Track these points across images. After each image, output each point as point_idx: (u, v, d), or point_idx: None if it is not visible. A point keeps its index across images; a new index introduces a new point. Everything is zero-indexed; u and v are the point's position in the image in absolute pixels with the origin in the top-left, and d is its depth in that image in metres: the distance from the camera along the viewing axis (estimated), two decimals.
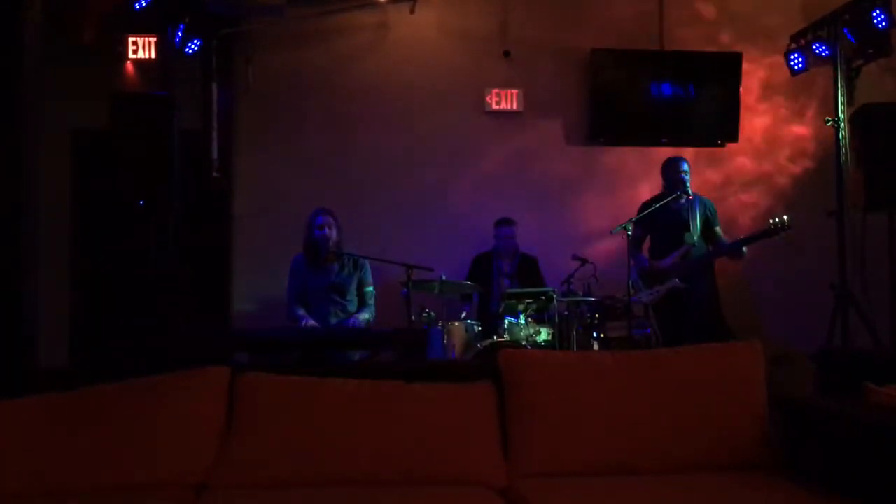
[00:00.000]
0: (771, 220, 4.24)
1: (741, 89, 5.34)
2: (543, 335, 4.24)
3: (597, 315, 4.34)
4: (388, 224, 5.09)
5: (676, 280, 4.41)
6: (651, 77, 5.28)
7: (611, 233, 4.44)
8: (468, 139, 5.27)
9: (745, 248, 4.41)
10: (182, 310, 4.50)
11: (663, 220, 4.51)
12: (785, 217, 4.19)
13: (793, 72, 5.09)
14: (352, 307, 4.32)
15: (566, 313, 4.36)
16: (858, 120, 4.47)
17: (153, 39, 4.76)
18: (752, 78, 5.44)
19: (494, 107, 5.28)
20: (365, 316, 4.27)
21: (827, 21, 4.75)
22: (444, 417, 2.26)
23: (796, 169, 5.52)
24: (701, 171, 5.31)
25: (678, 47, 5.36)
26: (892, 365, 2.59)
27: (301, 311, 4.27)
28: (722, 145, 5.44)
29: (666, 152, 4.93)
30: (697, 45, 5.38)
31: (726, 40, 5.43)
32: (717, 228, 4.61)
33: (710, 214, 4.62)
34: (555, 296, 4.31)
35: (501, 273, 4.80)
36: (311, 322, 4.17)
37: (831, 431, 2.11)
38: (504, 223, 4.80)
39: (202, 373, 2.33)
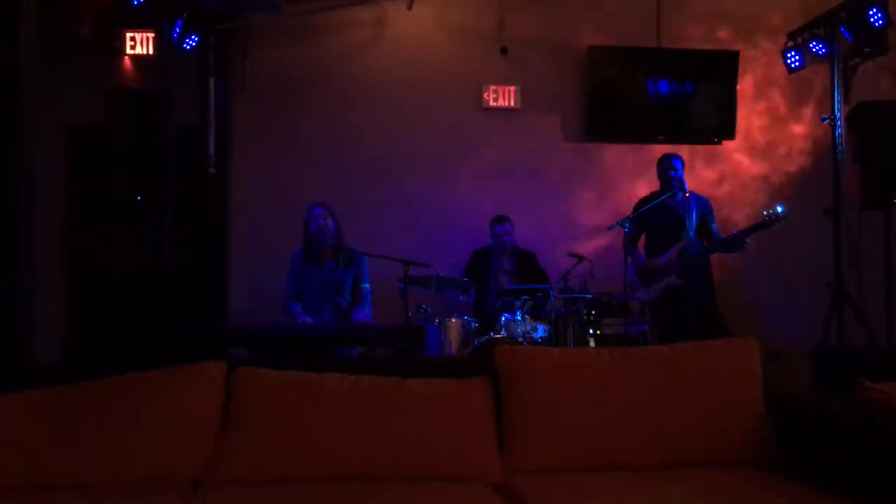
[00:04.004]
0: (764, 213, 4.23)
1: (738, 87, 5.35)
2: (540, 332, 4.25)
3: (593, 312, 4.34)
4: (385, 220, 5.08)
5: (673, 277, 4.42)
6: (648, 74, 5.28)
7: (607, 230, 4.45)
8: (465, 135, 5.26)
9: (747, 240, 4.32)
10: (179, 305, 4.49)
11: (659, 217, 4.51)
12: (778, 208, 4.17)
13: (790, 70, 5.09)
14: (346, 304, 4.31)
15: (563, 310, 4.36)
16: (855, 118, 4.49)
17: (150, 35, 4.75)
18: (749, 76, 5.44)
19: (492, 103, 5.28)
20: (364, 313, 4.27)
21: (824, 19, 4.75)
22: (440, 413, 2.26)
23: (793, 167, 5.52)
24: (697, 169, 5.32)
25: (675, 45, 5.36)
26: (886, 362, 2.60)
27: (298, 308, 4.27)
28: (718, 143, 5.44)
29: (662, 149, 4.93)
30: (695, 43, 5.38)
31: (723, 38, 5.43)
32: (714, 226, 4.61)
33: (706, 212, 4.63)
34: (551, 292, 4.31)
35: (502, 270, 4.80)
36: (308, 320, 4.17)
37: (826, 428, 2.12)
38: (499, 221, 4.79)
39: (198, 368, 2.33)
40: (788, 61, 5.06)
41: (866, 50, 4.93)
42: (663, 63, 5.32)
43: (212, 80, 4.93)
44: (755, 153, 5.52)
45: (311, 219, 4.25)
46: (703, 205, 4.64)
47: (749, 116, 5.47)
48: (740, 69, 5.32)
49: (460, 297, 4.66)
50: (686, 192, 4.56)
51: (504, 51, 5.26)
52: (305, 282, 4.31)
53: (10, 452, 2.12)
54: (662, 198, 4.48)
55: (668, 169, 4.53)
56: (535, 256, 4.85)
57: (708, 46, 5.37)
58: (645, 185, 5.11)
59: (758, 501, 1.97)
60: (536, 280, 4.62)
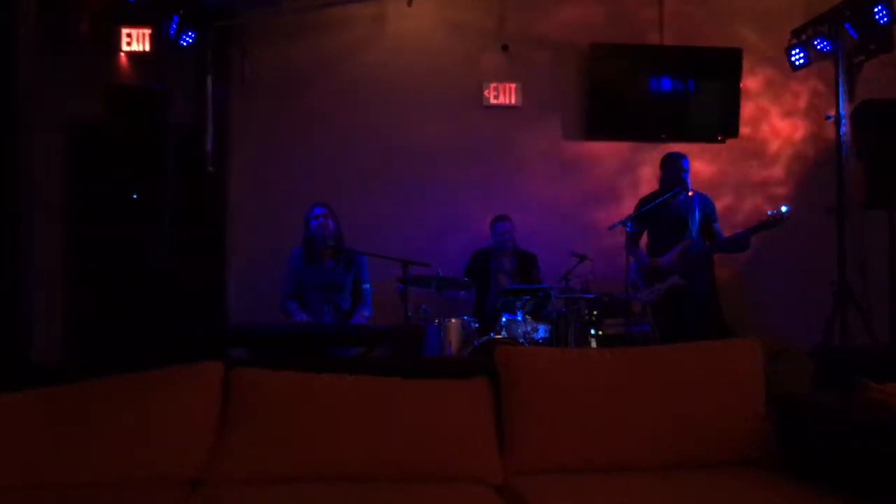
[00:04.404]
0: (769, 212, 4.23)
1: (741, 85, 5.32)
2: (541, 332, 4.23)
3: (594, 312, 4.32)
4: (385, 219, 5.07)
5: (677, 277, 4.40)
6: (650, 72, 5.25)
7: (609, 229, 4.43)
8: (466, 133, 5.24)
9: (751, 240, 4.34)
10: (177, 304, 4.49)
11: (662, 216, 4.49)
12: (783, 208, 4.17)
13: (794, 67, 5.07)
14: (346, 305, 4.31)
15: (564, 310, 4.35)
16: (859, 116, 4.47)
17: (147, 31, 4.73)
18: (753, 73, 5.42)
19: (492, 101, 5.26)
20: (364, 313, 4.27)
21: (828, 16, 4.73)
22: (440, 414, 2.26)
23: (796, 165, 5.50)
24: (700, 167, 5.29)
25: (678, 42, 5.33)
26: (889, 362, 2.58)
27: (294, 306, 4.26)
28: (721, 141, 5.42)
29: (665, 148, 4.91)
30: (697, 40, 5.36)
31: (726, 35, 5.40)
32: (716, 225, 4.60)
33: (708, 211, 4.61)
34: (552, 293, 4.29)
35: (502, 271, 4.78)
36: (303, 318, 4.16)
37: (828, 428, 2.11)
38: (499, 219, 4.79)
39: (197, 368, 2.32)
40: (793, 59, 5.03)
41: (871, 47, 4.90)
42: (665, 60, 5.30)
43: (209, 77, 4.91)
44: (758, 151, 5.49)
45: (312, 217, 4.25)
46: (705, 204, 4.62)
47: (752, 114, 5.45)
48: (744, 66, 5.30)
49: (461, 293, 4.64)
50: (689, 192, 4.54)
51: (505, 48, 5.25)
52: (305, 281, 4.30)
53: (9, 452, 2.11)
54: (665, 196, 4.46)
55: (675, 169, 4.50)
56: (536, 259, 4.83)
57: (711, 43, 5.35)
58: (647, 184, 5.09)
59: (758, 502, 1.96)
60: (533, 284, 4.61)
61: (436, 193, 5.20)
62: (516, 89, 5.25)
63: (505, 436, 2.27)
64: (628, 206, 4.79)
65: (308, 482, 2.09)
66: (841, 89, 4.65)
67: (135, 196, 3.82)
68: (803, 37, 4.96)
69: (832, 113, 4.67)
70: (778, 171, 5.50)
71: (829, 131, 4.92)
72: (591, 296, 4.34)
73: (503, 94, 5.26)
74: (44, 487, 2.05)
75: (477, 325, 4.29)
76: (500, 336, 4.15)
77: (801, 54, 4.98)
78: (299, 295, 4.30)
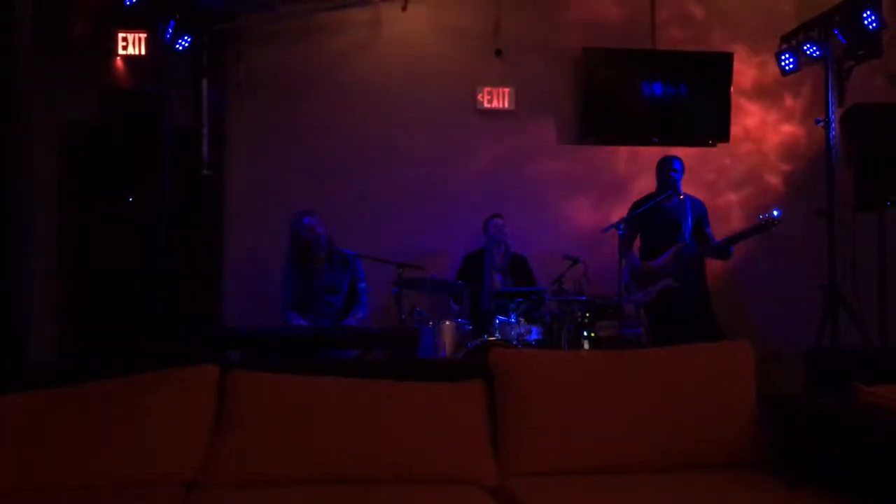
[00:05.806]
0: (760, 216, 4.26)
1: (732, 89, 5.36)
2: (534, 334, 4.25)
3: (587, 314, 4.34)
4: (379, 222, 5.08)
5: (669, 280, 4.42)
6: (643, 76, 5.29)
7: (602, 232, 4.46)
8: (460, 137, 5.26)
9: (731, 249, 4.43)
10: (173, 307, 4.48)
11: (655, 219, 4.52)
12: (774, 212, 4.21)
13: (784, 72, 5.11)
14: (342, 306, 4.31)
15: (557, 312, 4.36)
16: (849, 120, 4.50)
17: (143, 35, 4.73)
18: (743, 78, 5.46)
19: (486, 105, 5.28)
20: (359, 315, 4.27)
21: (818, 22, 4.76)
22: (434, 416, 2.26)
23: (787, 169, 5.54)
24: (692, 171, 5.32)
25: (670, 47, 5.37)
26: (880, 364, 2.61)
27: (294, 318, 4.25)
28: (713, 145, 5.45)
29: (657, 152, 4.94)
30: (689, 45, 5.39)
31: (718, 40, 5.45)
32: (708, 229, 4.63)
33: (701, 215, 4.64)
34: (546, 295, 4.31)
35: (493, 267, 4.79)
36: (302, 324, 4.17)
37: (821, 430, 2.12)
38: (493, 217, 4.83)
39: (193, 371, 2.32)
40: (782, 63, 5.07)
41: (860, 52, 4.93)
42: (658, 65, 5.33)
43: (205, 81, 4.92)
44: (749, 155, 5.53)
45: (305, 228, 4.23)
46: (698, 208, 4.65)
47: (743, 119, 5.49)
48: (734, 71, 5.34)
49: (453, 306, 4.66)
50: (681, 195, 4.57)
51: (499, 52, 5.26)
52: (302, 288, 4.29)
53: (4, 454, 2.10)
54: (658, 199, 4.49)
55: (670, 171, 4.54)
56: (528, 261, 4.84)
57: (702, 49, 5.38)
58: (640, 187, 5.11)
59: (751, 503, 1.97)
60: (527, 285, 4.62)
61: (430, 197, 5.21)
62: (510, 93, 5.27)
63: (499, 438, 2.28)
64: (622, 210, 4.82)
65: (303, 485, 2.09)
66: (830, 94, 4.69)
67: (130, 199, 3.81)
68: (793, 42, 5.00)
69: (822, 117, 4.71)
70: (768, 175, 5.54)
71: (819, 135, 4.96)
72: (584, 298, 4.36)
73: (497, 99, 5.28)
74: (39, 489, 2.05)
75: (471, 328, 4.31)
76: (493, 338, 4.16)
77: (791, 59, 5.02)
78: (298, 303, 4.30)
